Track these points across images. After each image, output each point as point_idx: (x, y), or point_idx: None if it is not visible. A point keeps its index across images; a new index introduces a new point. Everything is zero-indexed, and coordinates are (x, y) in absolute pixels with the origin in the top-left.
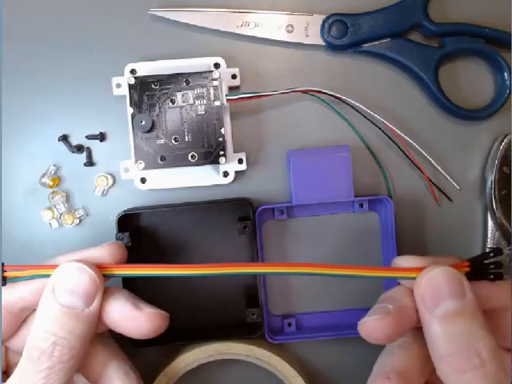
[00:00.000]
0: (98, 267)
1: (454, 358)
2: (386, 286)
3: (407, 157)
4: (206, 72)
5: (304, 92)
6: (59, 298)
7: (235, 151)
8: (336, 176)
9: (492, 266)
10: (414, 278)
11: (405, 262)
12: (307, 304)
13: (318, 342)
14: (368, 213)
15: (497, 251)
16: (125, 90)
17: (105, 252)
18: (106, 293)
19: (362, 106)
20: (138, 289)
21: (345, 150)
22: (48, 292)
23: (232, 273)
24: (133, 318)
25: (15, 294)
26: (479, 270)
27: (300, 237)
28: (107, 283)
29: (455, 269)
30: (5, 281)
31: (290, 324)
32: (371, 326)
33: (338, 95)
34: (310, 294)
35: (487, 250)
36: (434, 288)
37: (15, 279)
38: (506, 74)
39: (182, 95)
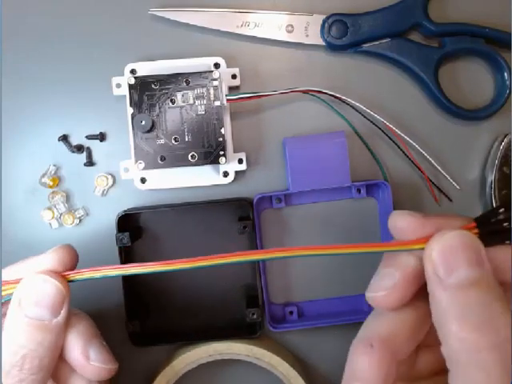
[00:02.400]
0: (62, 275)
1: (468, 333)
2: None
3: (407, 157)
4: (206, 72)
5: (304, 92)
6: (26, 310)
7: (235, 151)
8: (333, 162)
9: (505, 224)
10: (423, 249)
11: (404, 220)
12: (308, 292)
13: (320, 329)
14: (366, 198)
15: (507, 206)
16: (125, 90)
17: (53, 258)
18: (71, 328)
19: (361, 106)
20: (138, 290)
21: (340, 135)
22: (14, 305)
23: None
24: (80, 366)
25: None
26: (489, 231)
27: (299, 225)
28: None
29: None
30: None
31: (291, 312)
32: (380, 301)
33: (338, 95)
34: (311, 281)
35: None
36: (448, 254)
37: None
38: (506, 73)
39: (182, 95)
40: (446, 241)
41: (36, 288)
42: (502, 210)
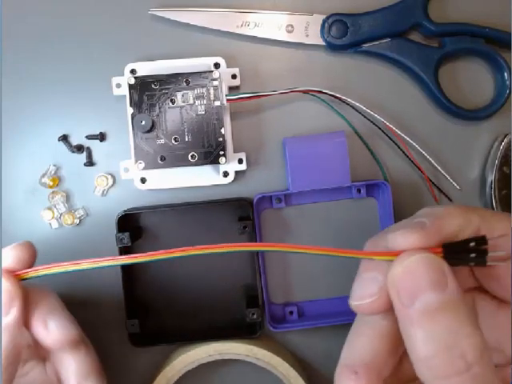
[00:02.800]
0: (15, 274)
1: (435, 361)
2: None
3: (407, 157)
4: (206, 72)
5: (304, 92)
6: None
7: (235, 151)
8: (333, 162)
9: (472, 255)
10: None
11: (405, 240)
12: (308, 292)
13: (320, 329)
14: (366, 198)
15: (480, 240)
16: (125, 90)
17: (10, 255)
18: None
19: (361, 106)
20: (138, 290)
21: (340, 135)
22: None
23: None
24: (41, 336)
25: None
26: (457, 256)
27: (299, 225)
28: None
29: (433, 253)
30: None
31: (291, 312)
32: (366, 308)
33: (338, 95)
34: (311, 281)
35: (466, 239)
36: (410, 280)
37: None
38: (506, 73)
39: (182, 95)
40: (407, 265)
41: None
42: (472, 243)
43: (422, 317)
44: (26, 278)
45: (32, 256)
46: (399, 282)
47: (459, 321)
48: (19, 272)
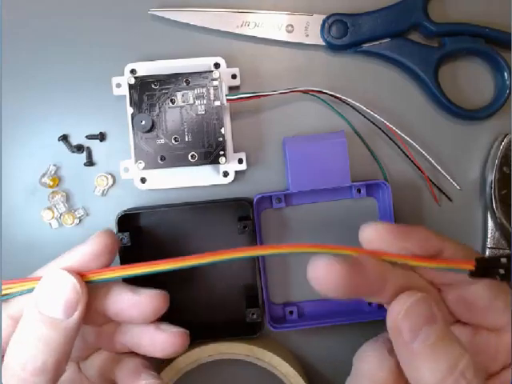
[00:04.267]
0: (81, 275)
1: (440, 379)
2: None
3: (407, 157)
4: (206, 72)
5: (304, 92)
6: (40, 305)
7: (235, 151)
8: (333, 162)
9: (501, 271)
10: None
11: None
12: (308, 292)
13: (320, 329)
14: (366, 198)
15: (508, 257)
16: (125, 90)
17: (96, 246)
18: (105, 287)
19: (361, 106)
20: None
21: (340, 135)
22: (31, 301)
23: (225, 259)
24: (133, 304)
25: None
26: (486, 270)
27: (299, 225)
28: None
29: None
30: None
31: (291, 312)
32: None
33: (338, 95)
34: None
35: (497, 254)
36: (411, 320)
37: (8, 296)
38: (506, 73)
39: (182, 95)
40: (408, 309)
41: (52, 284)
42: (504, 260)
43: (426, 349)
44: (89, 281)
45: (114, 245)
46: (401, 322)
47: (452, 345)
48: (86, 272)
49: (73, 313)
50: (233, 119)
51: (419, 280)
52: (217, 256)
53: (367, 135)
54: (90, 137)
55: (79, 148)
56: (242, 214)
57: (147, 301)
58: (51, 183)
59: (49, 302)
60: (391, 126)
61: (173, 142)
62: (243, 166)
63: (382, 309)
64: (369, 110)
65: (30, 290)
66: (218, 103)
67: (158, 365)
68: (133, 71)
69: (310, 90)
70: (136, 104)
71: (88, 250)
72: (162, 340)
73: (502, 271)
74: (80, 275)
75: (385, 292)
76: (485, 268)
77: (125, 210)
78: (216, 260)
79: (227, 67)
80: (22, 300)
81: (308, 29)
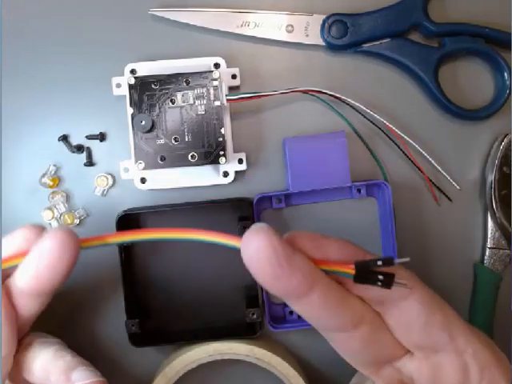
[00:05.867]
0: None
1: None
2: None
3: (407, 157)
4: (206, 72)
5: (304, 92)
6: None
7: (235, 151)
8: (333, 162)
9: (380, 277)
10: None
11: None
12: None
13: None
14: (366, 198)
15: (386, 261)
16: (125, 90)
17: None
18: (26, 348)
19: (361, 106)
20: (138, 290)
21: (341, 135)
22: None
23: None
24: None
25: None
26: (365, 275)
27: (299, 225)
28: None
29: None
30: None
31: (291, 312)
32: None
33: (337, 95)
34: None
35: (376, 258)
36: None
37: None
38: (506, 73)
39: (182, 95)
40: None
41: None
42: (380, 262)
43: None
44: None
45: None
46: None
47: None
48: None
49: None
50: (233, 119)
51: (357, 303)
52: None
53: (367, 135)
54: (90, 137)
55: (79, 148)
56: (242, 214)
57: None
58: (51, 183)
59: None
60: (391, 126)
61: (173, 142)
62: (243, 166)
63: None
64: (369, 110)
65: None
66: (218, 103)
67: (157, 365)
68: (133, 71)
69: (310, 90)
70: (136, 104)
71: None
72: None
73: (381, 277)
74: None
75: (311, 296)
76: (366, 273)
77: (125, 210)
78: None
79: (227, 67)
80: None
81: (308, 29)
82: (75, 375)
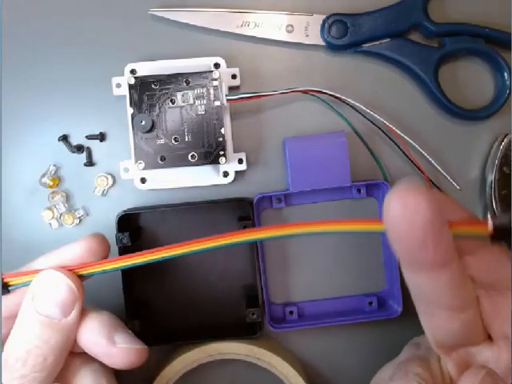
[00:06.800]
0: (75, 269)
1: None
2: (385, 266)
3: (407, 157)
4: (206, 72)
5: (304, 92)
6: (37, 306)
7: (235, 151)
8: (333, 162)
9: None
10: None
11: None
12: (308, 292)
13: (320, 329)
14: (366, 198)
15: None
16: (125, 90)
17: (83, 247)
18: (83, 319)
19: (361, 106)
20: (138, 290)
21: (340, 135)
22: (28, 299)
23: (226, 244)
24: (105, 354)
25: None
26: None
27: None
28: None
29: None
30: (7, 288)
31: (291, 312)
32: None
33: (337, 95)
34: (311, 281)
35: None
36: None
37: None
38: (506, 74)
39: (182, 95)
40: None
41: (48, 285)
42: None
43: None
44: (83, 275)
45: (105, 249)
46: None
47: None
48: (74, 268)
49: (70, 312)
50: (233, 119)
51: None
52: (217, 241)
53: (367, 135)
54: (90, 137)
55: (79, 148)
56: (242, 214)
57: (121, 355)
58: (51, 183)
59: (46, 302)
60: (391, 126)
61: (173, 142)
62: (243, 166)
63: (381, 309)
64: (369, 110)
65: (27, 284)
66: (218, 103)
67: (157, 365)
68: (133, 71)
69: (310, 90)
70: (136, 104)
71: (71, 252)
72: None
73: None
74: (74, 270)
75: (445, 270)
76: (503, 230)
77: (125, 210)
78: (217, 245)
79: (227, 67)
80: (18, 294)
81: (308, 29)
82: (118, 337)
